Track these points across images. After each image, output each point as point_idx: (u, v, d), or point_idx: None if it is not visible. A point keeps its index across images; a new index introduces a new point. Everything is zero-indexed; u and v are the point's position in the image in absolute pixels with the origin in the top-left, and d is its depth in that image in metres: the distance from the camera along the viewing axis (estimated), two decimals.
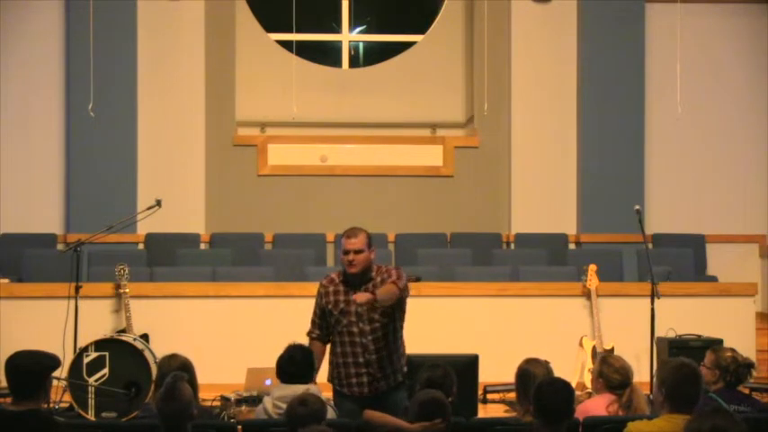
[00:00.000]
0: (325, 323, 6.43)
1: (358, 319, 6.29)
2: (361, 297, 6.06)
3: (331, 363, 6.45)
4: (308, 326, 6.57)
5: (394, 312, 6.32)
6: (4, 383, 4.89)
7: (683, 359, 5.10)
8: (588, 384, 8.73)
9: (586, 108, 12.24)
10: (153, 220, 9.86)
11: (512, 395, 7.38)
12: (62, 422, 5.11)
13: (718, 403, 5.61)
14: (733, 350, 6.14)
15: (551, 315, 9.96)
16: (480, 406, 8.34)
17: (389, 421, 5.49)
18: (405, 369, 6.44)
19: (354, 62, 13.21)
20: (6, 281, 10.22)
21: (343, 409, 6.16)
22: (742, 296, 10.17)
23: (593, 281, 9.84)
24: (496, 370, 8.27)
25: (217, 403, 7.62)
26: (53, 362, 4.87)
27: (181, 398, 4.81)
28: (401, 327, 6.43)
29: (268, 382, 6.84)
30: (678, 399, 4.91)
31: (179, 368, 5.46)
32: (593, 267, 9.89)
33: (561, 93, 12.34)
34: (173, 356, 5.94)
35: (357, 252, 6.29)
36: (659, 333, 9.17)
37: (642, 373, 8.40)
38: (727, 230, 12.42)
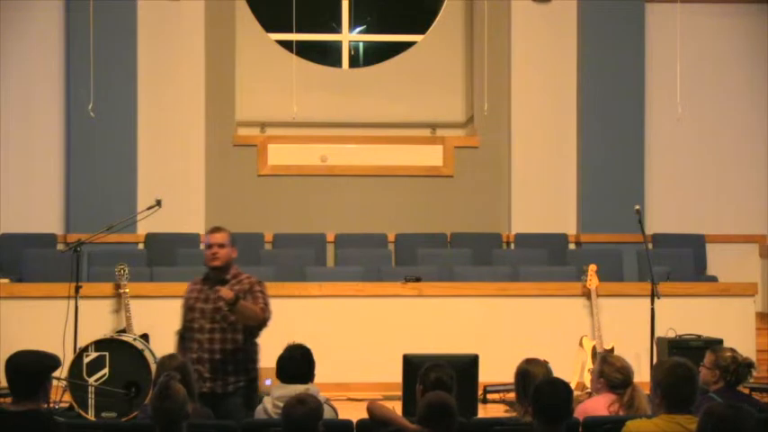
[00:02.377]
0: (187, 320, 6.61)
1: (201, 315, 6.44)
2: (227, 292, 6.22)
3: None
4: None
5: (237, 324, 6.44)
6: (4, 383, 4.88)
7: (678, 359, 5.12)
8: (588, 384, 8.73)
9: (586, 108, 12.24)
10: (153, 220, 9.87)
11: (511, 395, 7.38)
12: (62, 422, 5.11)
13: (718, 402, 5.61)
14: (733, 350, 6.14)
15: (551, 315, 9.97)
16: (480, 406, 8.36)
17: (392, 417, 5.49)
18: (252, 376, 6.49)
19: (354, 62, 13.20)
20: (6, 281, 10.23)
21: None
22: (742, 296, 10.18)
23: (593, 281, 9.85)
24: (496, 370, 8.29)
25: None
26: (53, 362, 4.86)
27: (174, 397, 4.81)
28: (250, 340, 6.50)
29: (268, 382, 6.87)
30: (674, 399, 4.93)
31: (177, 369, 5.47)
32: (593, 267, 9.90)
33: (561, 93, 12.34)
34: (172, 357, 5.95)
35: (220, 246, 6.52)
36: (659, 333, 9.18)
37: (642, 374, 8.37)
38: (727, 230, 12.42)
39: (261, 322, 6.42)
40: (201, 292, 6.52)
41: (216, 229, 6.60)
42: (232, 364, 6.40)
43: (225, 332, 6.40)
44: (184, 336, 6.60)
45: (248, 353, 6.50)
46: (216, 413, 6.11)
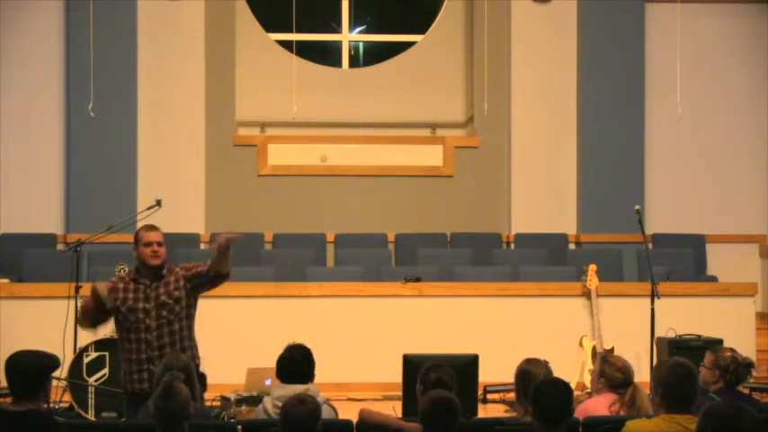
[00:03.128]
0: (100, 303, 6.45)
1: (145, 315, 6.36)
2: (229, 236, 6.35)
3: (122, 362, 6.49)
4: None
5: (182, 311, 6.43)
6: (4, 383, 4.88)
7: (678, 359, 5.12)
8: (588, 384, 8.73)
9: (586, 108, 12.24)
10: (153, 220, 9.82)
11: (512, 395, 7.38)
12: (62, 422, 5.11)
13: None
14: (733, 350, 6.14)
15: (551, 315, 9.97)
16: (480, 406, 8.36)
17: (385, 421, 5.49)
18: (197, 362, 6.46)
19: (354, 62, 13.20)
20: (6, 281, 10.23)
21: (132, 408, 6.15)
22: (742, 296, 10.19)
23: (593, 281, 9.85)
24: (496, 370, 8.29)
25: (217, 403, 7.62)
26: (53, 362, 4.86)
27: (177, 397, 4.82)
28: (192, 326, 6.51)
29: (268, 381, 6.87)
30: (674, 398, 4.93)
31: (181, 369, 5.48)
32: (593, 267, 9.90)
33: (561, 93, 12.34)
34: (176, 357, 5.95)
35: (160, 244, 6.45)
36: (659, 333, 9.19)
37: (643, 374, 8.40)
38: (727, 230, 12.42)
39: (229, 270, 6.49)
40: (138, 291, 6.40)
41: (153, 227, 6.53)
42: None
43: (171, 324, 6.38)
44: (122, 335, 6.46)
45: (192, 339, 6.50)
46: None
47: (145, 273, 6.45)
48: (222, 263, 6.42)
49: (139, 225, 6.73)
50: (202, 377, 6.53)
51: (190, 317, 6.50)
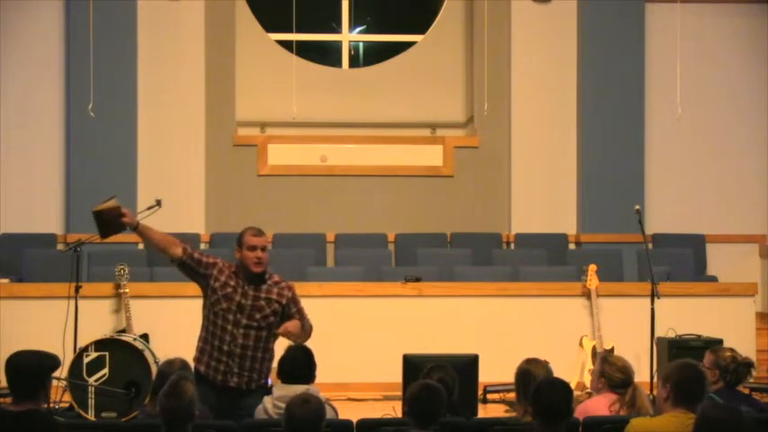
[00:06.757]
0: (195, 263, 6.41)
1: (238, 309, 6.32)
2: (294, 328, 6.26)
3: (199, 341, 6.47)
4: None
5: (274, 323, 6.39)
6: (4, 383, 4.89)
7: (690, 360, 5.14)
8: (588, 384, 8.74)
9: (586, 108, 12.24)
10: (153, 220, 9.80)
11: (512, 395, 7.39)
12: (62, 422, 5.12)
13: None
14: (732, 350, 6.16)
15: (551, 315, 9.97)
16: (480, 406, 8.36)
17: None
18: (266, 380, 6.45)
19: (354, 62, 13.21)
20: (6, 281, 10.24)
21: (200, 390, 6.16)
22: (742, 296, 10.19)
23: (593, 281, 9.86)
24: (496, 370, 8.29)
25: None
26: (53, 362, 4.87)
27: (184, 396, 4.83)
28: (275, 338, 6.47)
29: (268, 382, 6.87)
30: (684, 394, 4.93)
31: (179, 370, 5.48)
32: (593, 267, 9.90)
33: (561, 93, 12.34)
34: (171, 362, 5.94)
35: (264, 249, 6.36)
36: (659, 333, 9.19)
37: (642, 373, 8.41)
38: (727, 230, 12.42)
39: (305, 340, 6.41)
40: (239, 285, 6.36)
41: (260, 232, 6.40)
42: (259, 363, 6.38)
43: (260, 330, 6.36)
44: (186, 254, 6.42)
45: (272, 353, 6.49)
46: (238, 408, 6.19)
47: (246, 275, 6.39)
48: (299, 341, 6.34)
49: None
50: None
51: (275, 328, 6.43)
